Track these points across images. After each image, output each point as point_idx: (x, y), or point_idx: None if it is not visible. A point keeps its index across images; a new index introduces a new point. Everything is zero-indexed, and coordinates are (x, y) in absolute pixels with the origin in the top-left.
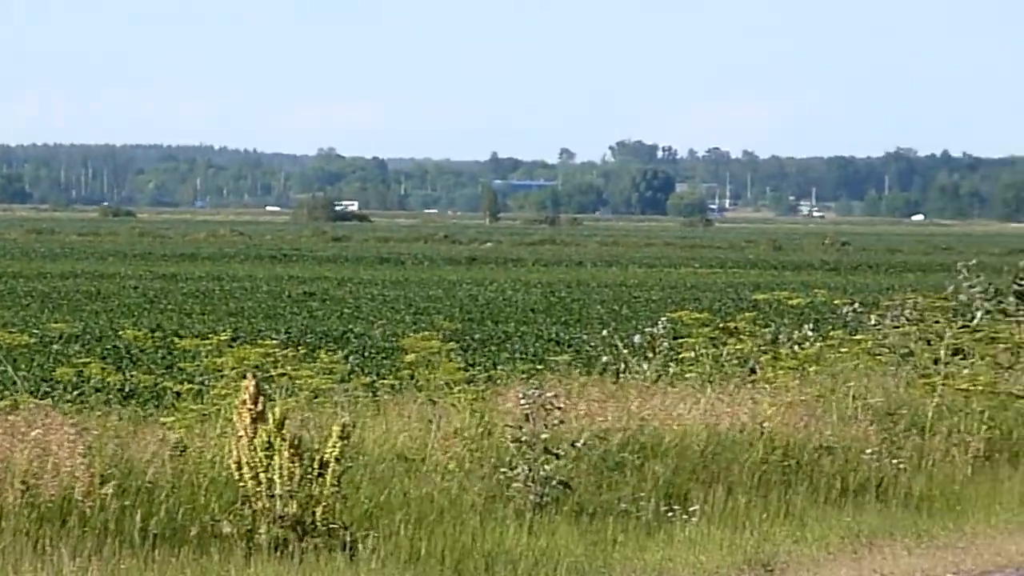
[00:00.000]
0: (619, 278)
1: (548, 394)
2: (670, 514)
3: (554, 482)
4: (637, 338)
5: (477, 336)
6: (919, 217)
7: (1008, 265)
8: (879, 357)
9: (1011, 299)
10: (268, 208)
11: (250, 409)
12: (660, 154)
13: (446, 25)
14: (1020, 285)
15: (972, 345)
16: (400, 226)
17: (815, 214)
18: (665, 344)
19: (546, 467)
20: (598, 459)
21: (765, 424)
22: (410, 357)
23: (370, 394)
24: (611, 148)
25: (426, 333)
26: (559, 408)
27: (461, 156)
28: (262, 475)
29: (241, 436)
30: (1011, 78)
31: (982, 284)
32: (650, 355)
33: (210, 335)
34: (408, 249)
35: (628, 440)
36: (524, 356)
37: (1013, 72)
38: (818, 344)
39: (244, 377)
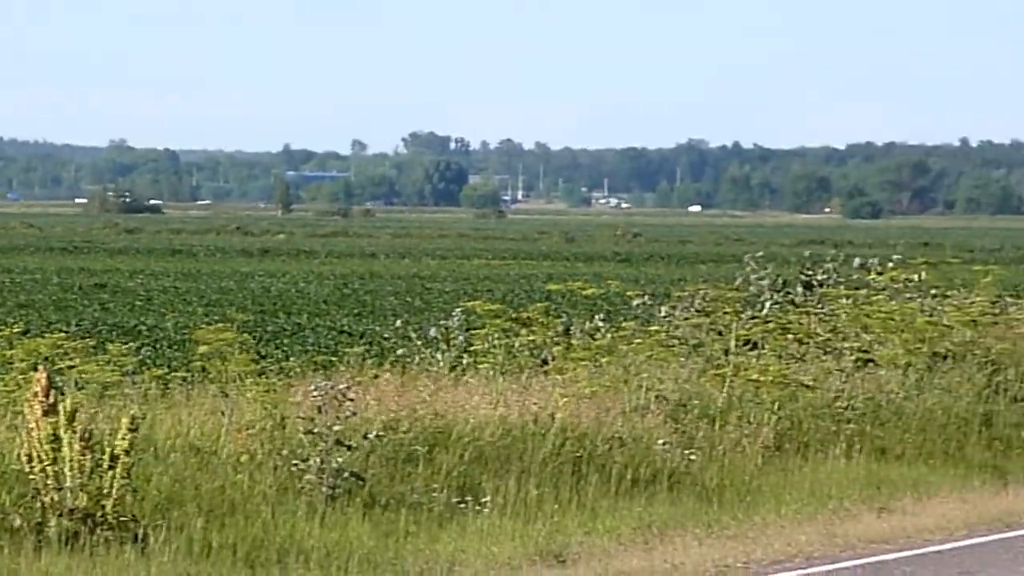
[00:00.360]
0: (412, 270)
1: (340, 386)
2: (462, 505)
3: (346, 474)
4: (432, 330)
5: (270, 328)
6: (696, 208)
7: (797, 256)
8: (671, 348)
9: (799, 289)
10: (77, 201)
11: (41, 402)
12: (453, 146)
13: (241, 13)
14: (807, 276)
15: (762, 336)
16: (192, 218)
17: (623, 205)
18: (459, 336)
19: (338, 459)
20: (391, 451)
21: (557, 415)
22: (202, 349)
23: (162, 386)
24: (404, 139)
25: (220, 325)
26: (351, 400)
27: (253, 147)
28: (51, 468)
29: (32, 429)
30: (799, 70)
31: (771, 275)
32: (444, 347)
33: (0, 327)
34: (200, 241)
35: (421, 432)
36: (317, 348)
37: (801, 64)
38: (610, 335)
39: (35, 369)
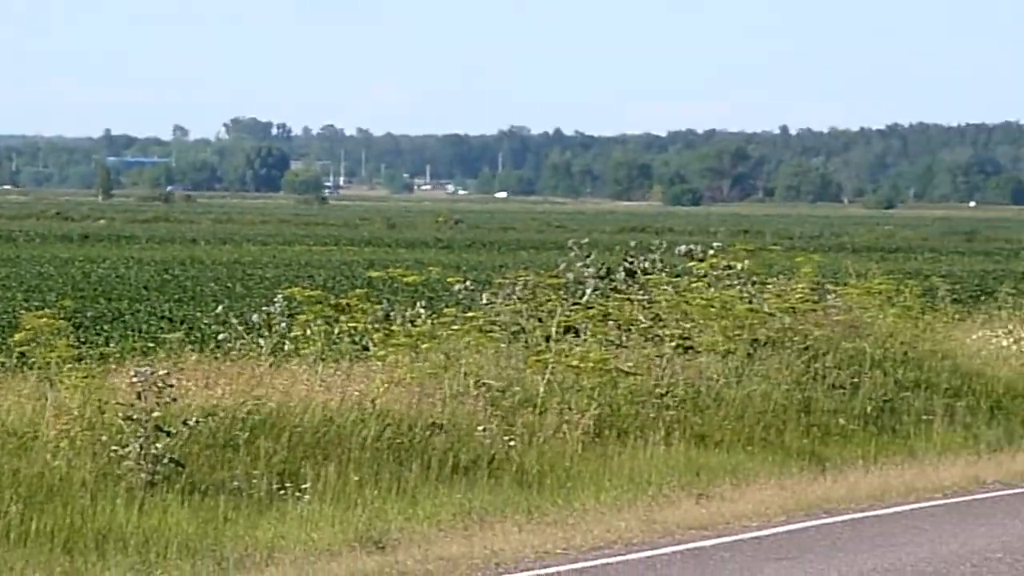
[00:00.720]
0: (234, 255)
1: (160, 371)
2: (282, 492)
3: (166, 460)
4: (255, 316)
5: (90, 314)
6: (503, 194)
7: (619, 243)
8: (491, 335)
9: (621, 276)
10: None
11: None
12: (275, 131)
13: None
14: (629, 263)
15: (584, 322)
16: (11, 203)
17: (461, 192)
18: (282, 322)
19: (158, 445)
20: (211, 437)
21: (377, 401)
22: (19, 335)
23: None
24: (225, 125)
25: (48, 311)
26: (171, 386)
27: (74, 132)
28: None
29: None
30: (621, 58)
31: (594, 263)
32: (265, 333)
33: None
34: (20, 226)
35: (242, 418)
36: (137, 334)
37: (623, 52)
38: (431, 321)
39: None
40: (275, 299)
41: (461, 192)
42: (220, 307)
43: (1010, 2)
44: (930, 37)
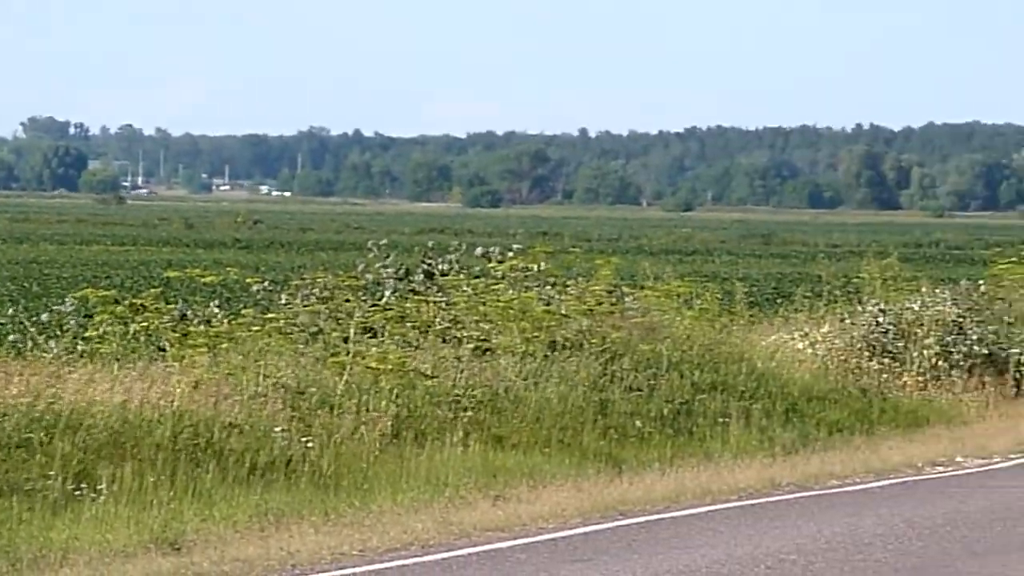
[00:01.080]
0: (30, 255)
1: None
2: (78, 493)
3: None
4: (45, 316)
5: None
6: (287, 194)
7: (418, 244)
8: (290, 335)
9: (420, 277)
10: None
11: None
12: (72, 131)
13: None
14: (428, 264)
15: (382, 324)
16: None
17: (274, 193)
18: (73, 322)
19: None
20: (4, 437)
21: (174, 402)
22: None
23: None
24: (22, 124)
25: None
26: None
27: None
28: None
29: None
30: (421, 59)
31: (393, 264)
32: (58, 333)
33: None
34: None
35: (35, 419)
36: None
37: (423, 53)
38: (228, 322)
39: None
40: (67, 299)
41: (275, 193)
42: (13, 307)
43: (806, 8)
44: (727, 40)
